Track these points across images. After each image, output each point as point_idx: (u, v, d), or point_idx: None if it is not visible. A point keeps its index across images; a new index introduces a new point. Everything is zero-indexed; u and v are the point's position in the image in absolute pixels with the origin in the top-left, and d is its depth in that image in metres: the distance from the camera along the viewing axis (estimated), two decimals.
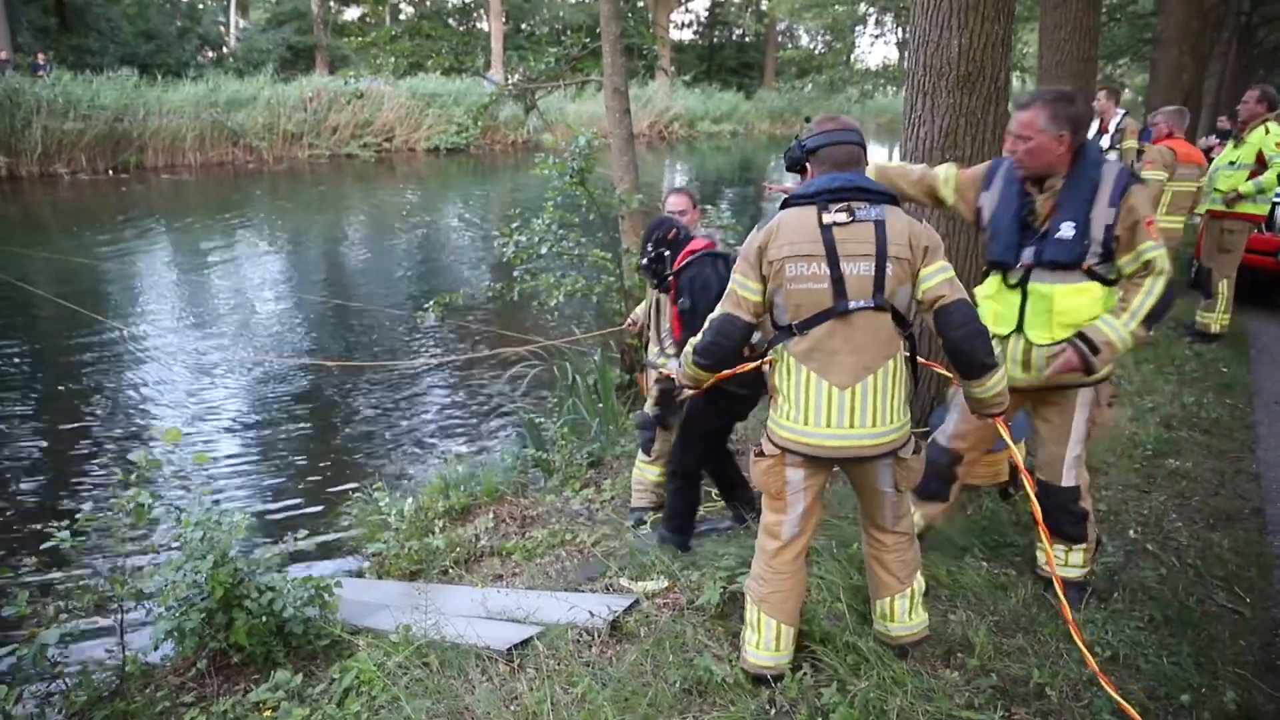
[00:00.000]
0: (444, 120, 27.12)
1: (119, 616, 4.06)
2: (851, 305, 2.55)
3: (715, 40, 47.07)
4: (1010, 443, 3.08)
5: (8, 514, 5.88)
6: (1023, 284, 3.10)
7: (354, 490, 5.93)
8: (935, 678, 2.90)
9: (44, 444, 6.99)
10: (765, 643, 2.87)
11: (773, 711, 2.79)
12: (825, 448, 2.64)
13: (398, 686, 3.09)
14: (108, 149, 21.11)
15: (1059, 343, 3.04)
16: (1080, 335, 3.00)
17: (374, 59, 9.53)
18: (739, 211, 16.84)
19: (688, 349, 2.88)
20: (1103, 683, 2.68)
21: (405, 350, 9.30)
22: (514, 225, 6.20)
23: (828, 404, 2.61)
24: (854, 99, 24.31)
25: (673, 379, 3.64)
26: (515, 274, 6.33)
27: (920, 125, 4.35)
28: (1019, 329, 3.13)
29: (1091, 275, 3.01)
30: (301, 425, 7.30)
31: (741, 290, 2.66)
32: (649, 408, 4.50)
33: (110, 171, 20.98)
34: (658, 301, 4.32)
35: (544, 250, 6.15)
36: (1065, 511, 3.26)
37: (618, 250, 6.68)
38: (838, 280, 2.54)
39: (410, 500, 5.39)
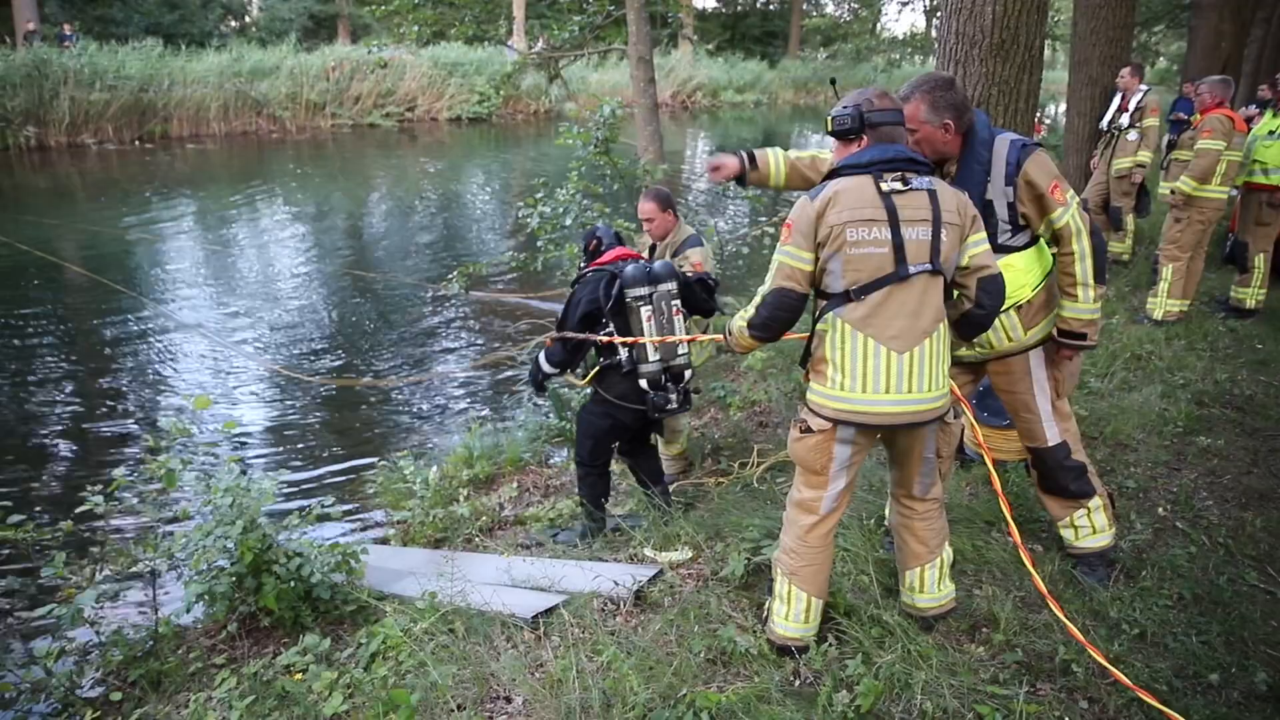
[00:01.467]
0: (466, 90, 27.02)
1: (151, 579, 4.14)
2: (912, 269, 2.58)
3: (739, 8, 46.49)
4: (969, 413, 3.09)
5: (42, 479, 5.98)
6: None
7: (379, 459, 5.98)
8: (960, 652, 2.90)
9: (75, 411, 7.08)
10: (795, 615, 2.89)
11: (797, 683, 2.81)
12: (885, 414, 2.64)
13: (424, 651, 3.12)
14: (133, 119, 21.17)
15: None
16: (1061, 332, 3.08)
17: (396, 27, 9.48)
18: None
19: (739, 322, 2.85)
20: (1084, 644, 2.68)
21: (426, 320, 9.32)
22: (538, 196, 6.17)
23: (886, 369, 2.61)
24: (880, 68, 23.95)
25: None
26: (539, 244, 6.31)
27: None
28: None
29: (1007, 250, 3.04)
30: (325, 394, 7.35)
31: (795, 261, 2.65)
32: None
33: (136, 141, 21.07)
34: None
35: (568, 221, 6.13)
36: (1061, 469, 3.25)
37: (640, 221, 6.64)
38: (899, 245, 2.57)
39: (435, 469, 5.43)
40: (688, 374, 4.18)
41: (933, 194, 2.61)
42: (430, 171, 19.66)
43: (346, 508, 5.33)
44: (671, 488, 4.56)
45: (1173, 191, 6.66)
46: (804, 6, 43.45)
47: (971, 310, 2.76)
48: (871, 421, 2.67)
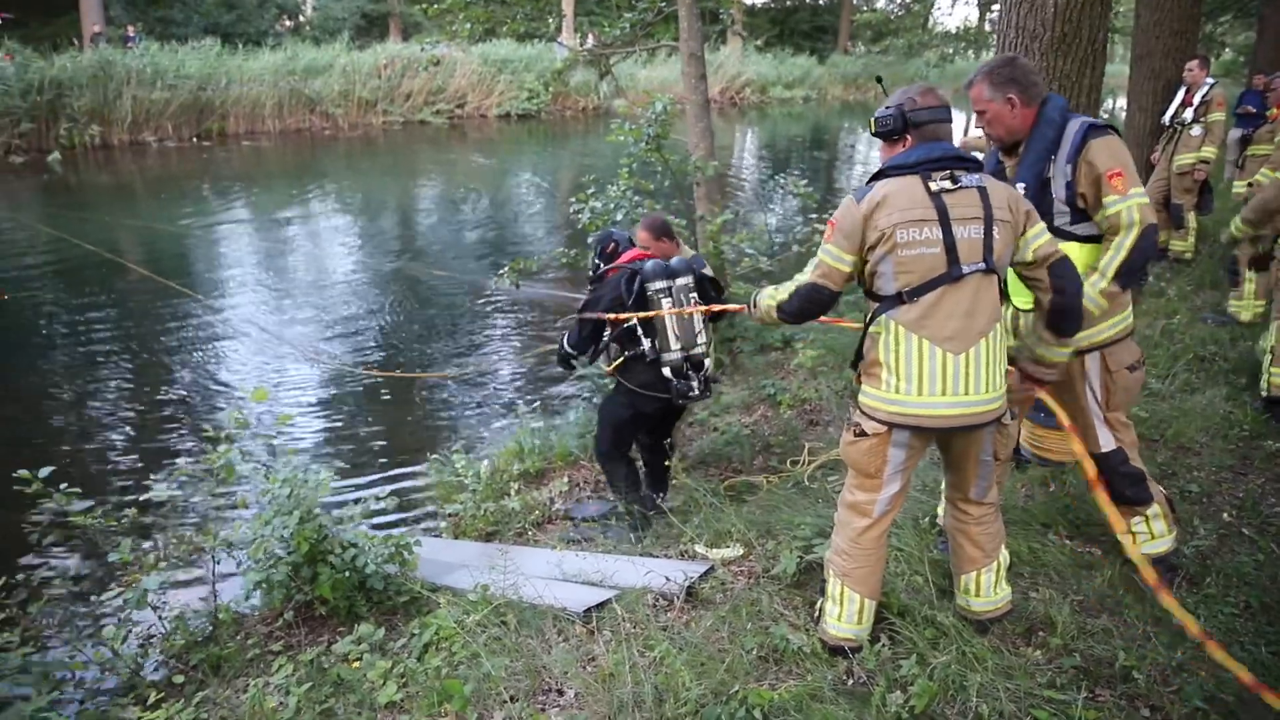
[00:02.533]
0: (515, 86, 27.20)
1: (211, 567, 4.25)
2: (965, 269, 2.54)
3: (788, 3, 46.12)
4: (1059, 411, 2.97)
5: (106, 468, 6.16)
6: None
7: (431, 453, 6.06)
8: (1016, 655, 2.86)
9: (137, 404, 7.28)
10: (847, 616, 2.87)
11: (850, 682, 2.79)
12: (941, 417, 2.59)
13: (477, 643, 3.16)
14: (192, 117, 21.66)
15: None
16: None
17: (448, 25, 9.56)
18: (810, 180, 16.52)
19: (769, 301, 2.87)
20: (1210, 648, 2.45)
21: (478, 315, 9.42)
22: (589, 191, 6.20)
23: (942, 372, 2.56)
24: (932, 63, 23.56)
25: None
26: (589, 240, 6.33)
27: None
28: (1005, 296, 3.01)
29: (1064, 235, 2.92)
30: (377, 389, 7.46)
31: (834, 261, 2.64)
32: None
33: (194, 139, 21.55)
34: None
35: (619, 216, 6.15)
36: (1117, 475, 3.13)
37: (691, 217, 6.64)
38: (950, 245, 2.53)
39: (486, 462, 5.48)
40: (708, 362, 4.34)
41: (983, 191, 2.56)
42: (480, 168, 19.84)
43: (399, 501, 5.41)
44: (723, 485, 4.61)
45: (1251, 185, 6.45)
46: (854, 1, 43.02)
47: (1055, 300, 2.67)
48: (927, 425, 2.62)
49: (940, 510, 3.38)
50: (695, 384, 4.32)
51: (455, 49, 22.29)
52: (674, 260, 4.36)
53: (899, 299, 2.57)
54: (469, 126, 26.15)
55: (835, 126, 29.45)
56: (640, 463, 4.87)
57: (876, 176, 2.65)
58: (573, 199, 6.53)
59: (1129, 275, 2.88)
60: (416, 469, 5.94)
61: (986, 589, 2.92)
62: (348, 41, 26.51)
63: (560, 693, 2.90)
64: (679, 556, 3.81)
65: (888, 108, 2.68)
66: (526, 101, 27.21)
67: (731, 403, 6.14)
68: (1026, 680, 2.71)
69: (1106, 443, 3.13)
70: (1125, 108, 9.25)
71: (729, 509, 4.10)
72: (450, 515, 5.15)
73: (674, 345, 4.26)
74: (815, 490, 4.44)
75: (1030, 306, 2.97)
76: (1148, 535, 3.24)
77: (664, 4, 8.05)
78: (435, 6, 9.27)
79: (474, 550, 4.46)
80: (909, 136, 2.65)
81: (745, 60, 33.95)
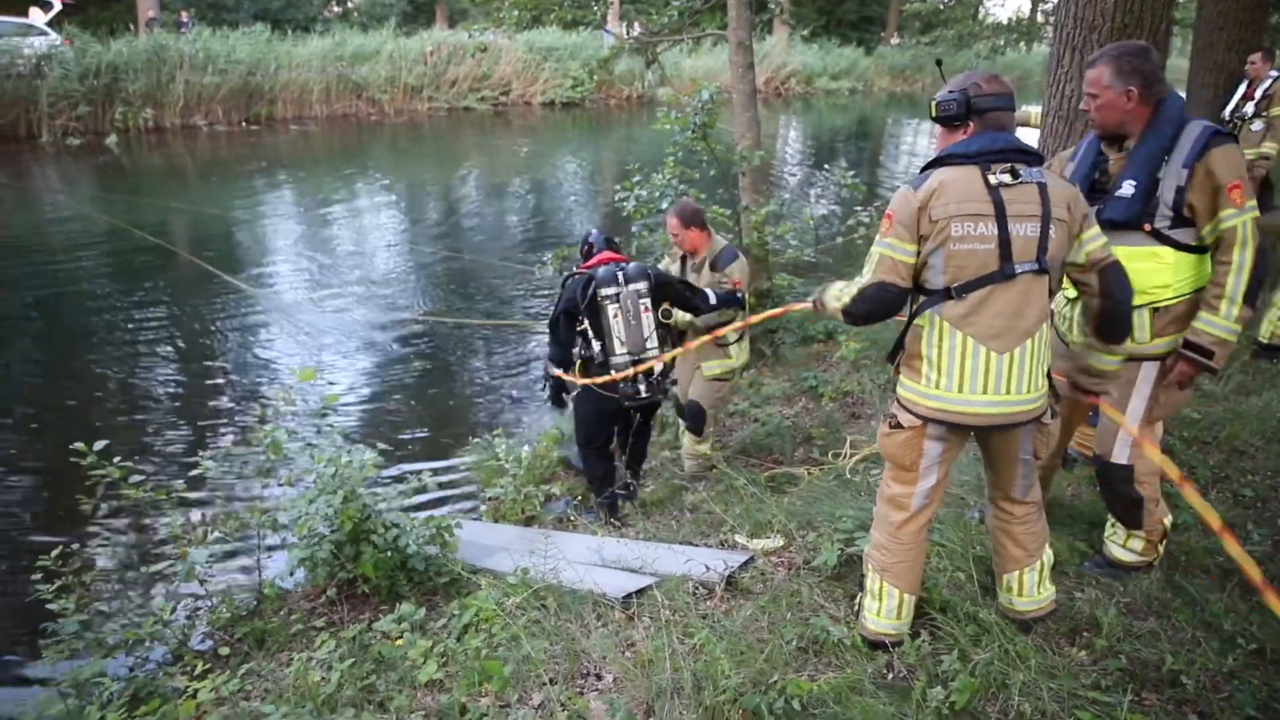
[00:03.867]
0: (560, 74, 27.22)
1: (257, 543, 4.33)
2: (1018, 269, 2.47)
3: None
4: (1119, 416, 2.90)
5: (158, 446, 6.30)
6: None
7: (472, 437, 6.11)
8: (1060, 655, 2.82)
9: (186, 385, 7.44)
10: (887, 611, 2.84)
11: (890, 676, 2.77)
12: (980, 415, 2.55)
13: (517, 625, 3.18)
14: (242, 101, 21.97)
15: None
16: (1187, 344, 2.81)
17: (496, 12, 9.59)
18: (855, 172, 16.37)
19: (835, 303, 2.73)
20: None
21: (521, 302, 9.47)
22: (635, 180, 6.19)
23: (984, 370, 2.51)
24: (982, 55, 23.16)
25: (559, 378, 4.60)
26: (634, 229, 6.34)
27: (1066, 82, 4.14)
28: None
29: (1161, 239, 2.81)
30: (420, 373, 7.54)
31: (897, 254, 2.53)
32: (694, 393, 4.98)
33: (244, 123, 21.86)
34: None
35: (664, 205, 6.13)
36: (1114, 492, 3.09)
37: (736, 207, 6.60)
38: (1005, 242, 2.46)
39: (527, 447, 5.52)
40: (657, 366, 4.47)
41: (1043, 188, 2.47)
42: (524, 155, 19.91)
43: (440, 483, 5.47)
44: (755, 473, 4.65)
45: None
46: None
47: (1104, 305, 2.63)
48: (965, 422, 2.58)
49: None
50: (642, 387, 4.47)
51: (501, 36, 22.40)
52: (630, 266, 4.48)
53: (946, 294, 2.51)
54: (513, 114, 26.22)
55: (881, 118, 29.10)
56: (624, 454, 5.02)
57: (934, 164, 2.56)
58: (617, 187, 6.53)
59: (1255, 293, 2.76)
60: (458, 453, 6.00)
61: (1030, 588, 2.88)
62: (394, 28, 26.70)
63: (599, 677, 2.91)
64: (719, 546, 3.81)
65: (951, 91, 2.56)
66: (571, 89, 27.20)
67: (772, 394, 6.11)
68: (1070, 680, 2.68)
69: (1120, 455, 3.04)
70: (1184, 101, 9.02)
71: (769, 500, 4.09)
72: (490, 499, 5.19)
73: (618, 350, 4.40)
74: (857, 483, 4.41)
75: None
76: (1121, 542, 3.20)
77: None
78: None
79: (513, 534, 4.49)
80: (970, 123, 2.54)
81: (791, 50, 33.62)
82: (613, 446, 4.95)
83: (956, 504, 3.65)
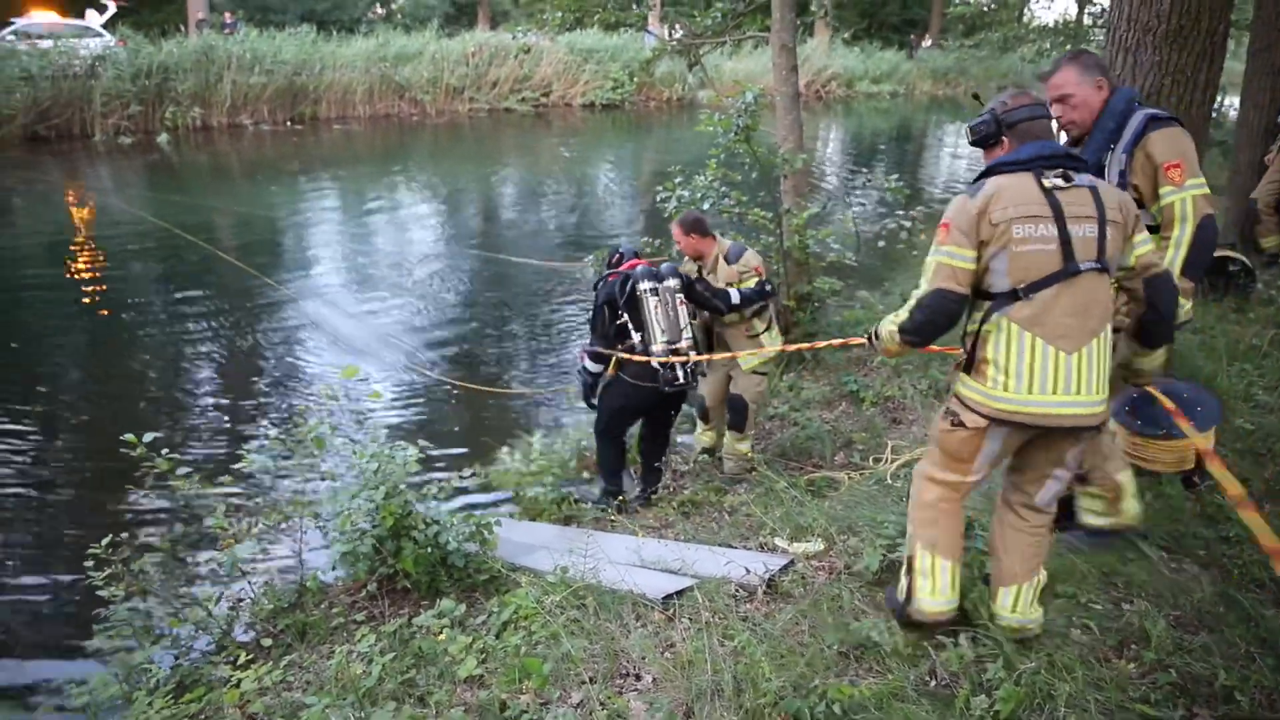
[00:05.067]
0: (600, 76, 27.30)
1: (299, 536, 4.38)
2: (1081, 266, 2.50)
3: None
4: (1179, 416, 2.91)
5: (203, 440, 6.41)
6: None
7: (511, 435, 6.13)
8: (1107, 667, 2.77)
9: (231, 381, 7.57)
10: (941, 588, 2.82)
11: (932, 683, 2.74)
12: (1050, 415, 2.55)
13: (556, 623, 3.19)
14: (286, 101, 22.29)
15: None
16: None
17: (539, 14, 9.64)
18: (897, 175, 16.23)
19: (893, 328, 2.75)
20: None
21: (562, 303, 9.50)
22: (677, 181, 6.19)
23: (1054, 370, 2.52)
24: (1027, 58, 22.80)
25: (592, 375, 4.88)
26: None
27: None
28: None
29: None
30: (458, 371, 7.59)
31: (957, 261, 2.55)
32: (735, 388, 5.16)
33: (288, 122, 22.19)
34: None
35: (706, 206, 6.12)
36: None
37: (778, 210, 6.57)
38: (1066, 241, 2.49)
39: (565, 448, 5.54)
40: (692, 354, 4.80)
41: (1094, 191, 2.54)
42: (564, 156, 19.99)
43: (480, 479, 5.50)
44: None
45: None
46: None
47: (1148, 314, 2.67)
48: (1035, 422, 2.57)
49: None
50: (681, 373, 4.72)
51: (543, 38, 22.54)
52: (664, 266, 4.86)
53: (1013, 296, 2.52)
54: (554, 115, 26.35)
55: (923, 122, 28.81)
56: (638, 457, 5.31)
57: (986, 174, 2.61)
58: (659, 188, 6.53)
59: (1196, 268, 2.87)
60: (496, 452, 6.03)
61: (1024, 605, 2.84)
62: (437, 29, 26.95)
63: (638, 677, 2.91)
64: (759, 549, 3.79)
65: (981, 115, 2.69)
66: (611, 91, 27.28)
67: (812, 398, 6.07)
68: (1118, 694, 2.63)
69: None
70: (1238, 105, 8.84)
71: (810, 503, 4.07)
72: (529, 497, 5.21)
73: (659, 338, 4.68)
74: (899, 489, 4.36)
75: None
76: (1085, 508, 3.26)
77: None
78: None
79: (552, 533, 4.51)
80: (1005, 139, 2.65)
81: (832, 53, 33.43)
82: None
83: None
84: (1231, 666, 2.70)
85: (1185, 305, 2.90)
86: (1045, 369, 2.52)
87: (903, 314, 2.70)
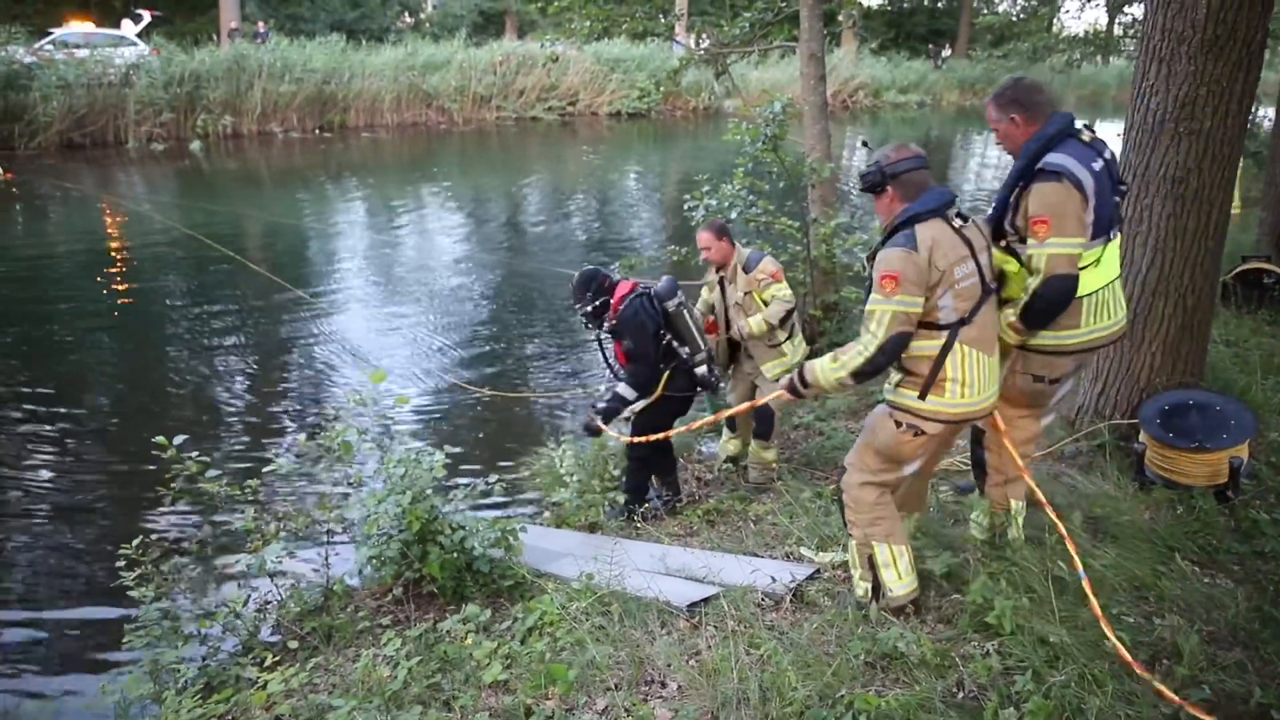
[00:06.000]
0: (627, 85, 27.42)
1: (326, 540, 4.42)
2: (991, 286, 3.03)
3: (905, 4, 45.04)
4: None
5: (233, 443, 6.49)
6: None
7: (536, 441, 6.14)
8: (1138, 682, 2.73)
9: (258, 386, 7.64)
10: (904, 570, 3.16)
11: (960, 695, 2.72)
12: (985, 409, 3.08)
13: (581, 630, 3.19)
14: (316, 109, 22.60)
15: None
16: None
17: (568, 23, 9.68)
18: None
19: (841, 374, 3.05)
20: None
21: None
22: (704, 190, 6.19)
23: (987, 373, 3.03)
24: (1057, 68, 22.62)
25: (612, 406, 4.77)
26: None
27: (1152, 95, 4.03)
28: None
29: (1010, 252, 3.19)
30: (484, 378, 7.62)
31: (910, 308, 2.90)
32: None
33: (317, 130, 22.47)
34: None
35: (733, 215, 6.12)
36: (972, 448, 3.53)
37: (805, 220, 6.56)
38: (980, 269, 2.99)
39: (591, 454, 5.53)
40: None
41: (975, 224, 3.06)
42: (590, 165, 20.06)
43: (505, 486, 5.51)
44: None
45: None
46: (974, 3, 41.71)
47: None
48: (977, 417, 3.11)
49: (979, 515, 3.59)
50: (716, 375, 4.99)
51: (570, 47, 22.67)
52: (665, 281, 4.85)
53: (961, 323, 2.96)
54: (580, 124, 26.48)
55: (949, 132, 28.67)
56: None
57: (906, 223, 2.95)
58: (687, 196, 6.54)
59: (1037, 316, 3.13)
60: (521, 459, 6.04)
61: (905, 570, 3.19)
62: (465, 38, 27.18)
63: (663, 684, 2.91)
64: (784, 558, 3.77)
65: (868, 166, 3.08)
66: (637, 100, 27.39)
67: (837, 408, 6.04)
68: (1149, 709, 2.59)
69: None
70: (1273, 116, 8.73)
71: (835, 513, 4.04)
72: (553, 504, 5.22)
73: (702, 347, 4.84)
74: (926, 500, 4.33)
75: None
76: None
77: (784, 3, 7.98)
78: (555, 5, 9.39)
79: (577, 540, 4.51)
80: (889, 188, 3.02)
81: (859, 63, 33.37)
82: None
83: (1037, 523, 3.56)
84: (1267, 684, 2.66)
85: (1011, 338, 3.20)
86: (983, 374, 3.02)
87: (855, 362, 2.99)
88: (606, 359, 5.11)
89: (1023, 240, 3.14)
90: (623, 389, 4.78)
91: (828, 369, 3.07)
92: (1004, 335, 3.18)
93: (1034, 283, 3.07)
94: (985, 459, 3.52)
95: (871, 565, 3.16)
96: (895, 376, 3.08)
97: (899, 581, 3.14)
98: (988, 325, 3.03)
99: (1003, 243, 3.20)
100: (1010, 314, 3.16)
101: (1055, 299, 3.09)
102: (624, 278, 5.02)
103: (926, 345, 2.97)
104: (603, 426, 4.82)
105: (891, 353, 2.95)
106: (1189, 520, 3.70)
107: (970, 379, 2.98)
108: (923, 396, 3.01)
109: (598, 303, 4.80)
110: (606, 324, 4.85)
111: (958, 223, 2.97)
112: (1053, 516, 3.11)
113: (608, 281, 4.88)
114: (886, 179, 3.01)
